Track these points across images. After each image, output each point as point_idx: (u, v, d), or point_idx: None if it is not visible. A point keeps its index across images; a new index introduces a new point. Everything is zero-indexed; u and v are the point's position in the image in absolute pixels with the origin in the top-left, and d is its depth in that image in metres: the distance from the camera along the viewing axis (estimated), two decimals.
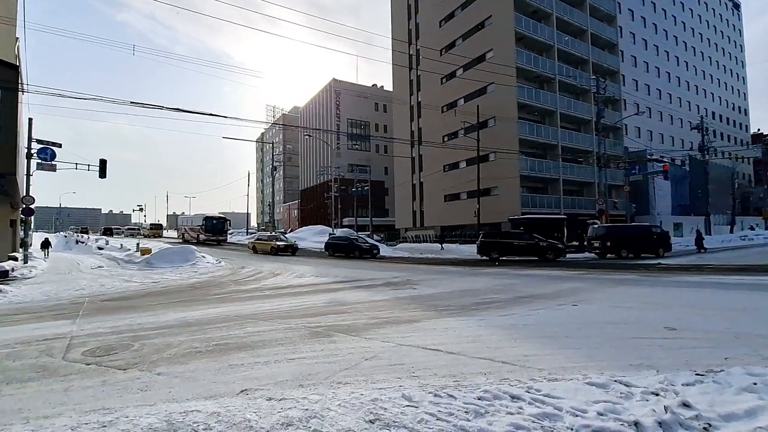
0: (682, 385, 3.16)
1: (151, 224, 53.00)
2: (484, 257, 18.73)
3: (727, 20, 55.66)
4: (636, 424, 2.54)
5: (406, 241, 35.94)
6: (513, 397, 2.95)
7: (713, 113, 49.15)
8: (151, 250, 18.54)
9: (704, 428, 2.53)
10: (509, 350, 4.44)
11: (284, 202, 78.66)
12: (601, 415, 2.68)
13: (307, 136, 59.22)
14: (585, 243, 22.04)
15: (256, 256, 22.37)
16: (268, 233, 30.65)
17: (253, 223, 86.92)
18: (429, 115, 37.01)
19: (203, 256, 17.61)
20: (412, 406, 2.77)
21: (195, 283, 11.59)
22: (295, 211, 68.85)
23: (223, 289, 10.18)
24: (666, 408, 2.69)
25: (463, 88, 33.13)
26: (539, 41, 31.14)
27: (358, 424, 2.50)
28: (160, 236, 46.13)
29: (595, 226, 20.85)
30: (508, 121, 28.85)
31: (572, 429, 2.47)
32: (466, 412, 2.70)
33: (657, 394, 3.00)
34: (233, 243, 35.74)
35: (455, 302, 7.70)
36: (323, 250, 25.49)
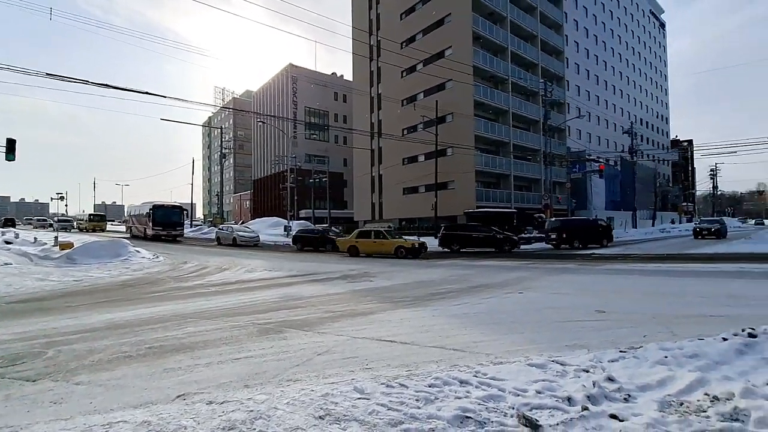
0: (608, 361, 3.51)
1: (90, 215, 42.23)
2: (446, 249, 19.46)
3: (654, 37, 62.16)
4: (569, 399, 2.77)
5: None
6: (462, 382, 3.07)
7: (641, 120, 54.83)
8: (72, 244, 16.52)
9: (624, 399, 2.83)
10: (460, 338, 4.63)
11: (235, 192, 74.77)
12: (539, 393, 2.88)
13: (260, 123, 56.61)
14: (523, 234, 23.93)
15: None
16: (377, 226, 23.88)
17: (198, 214, 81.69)
18: (389, 107, 37.10)
19: (137, 251, 16.17)
20: (363, 399, 2.77)
21: (127, 280, 10.62)
22: (248, 202, 65.82)
23: (160, 287, 9.44)
24: (594, 383, 2.96)
25: (423, 82, 33.61)
26: (494, 43, 32.45)
27: (307, 421, 2.45)
28: (104, 230, 38.52)
29: (552, 219, 22.68)
30: (465, 117, 29.84)
31: (514, 408, 2.63)
32: (417, 399, 2.76)
33: (587, 371, 3.30)
34: (193, 238, 32.35)
35: (410, 293, 7.85)
36: (286, 244, 24.30)
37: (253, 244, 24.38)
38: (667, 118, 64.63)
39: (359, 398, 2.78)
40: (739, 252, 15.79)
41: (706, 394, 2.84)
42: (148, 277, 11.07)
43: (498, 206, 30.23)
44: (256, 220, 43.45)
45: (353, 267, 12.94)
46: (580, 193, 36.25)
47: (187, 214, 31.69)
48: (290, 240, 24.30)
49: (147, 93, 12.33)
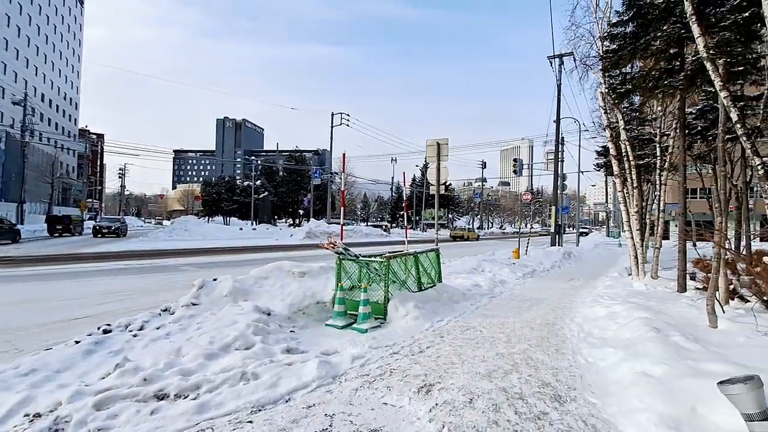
0: None
1: None
2: None
3: (69, 7, 60.56)
4: None
5: None
6: None
7: (42, 95, 50.95)
8: None
9: None
10: None
11: None
12: None
13: None
14: None
15: None
16: None
17: None
18: None
19: None
20: None
21: None
22: None
23: None
24: None
25: None
26: None
27: None
28: None
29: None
30: None
31: None
32: None
33: None
34: None
35: None
36: None
37: None
38: (77, 103, 64.87)
39: None
40: (131, 250, 18.39)
41: (26, 414, 2.86)
42: None
43: None
44: None
45: None
46: None
47: None
48: None
49: None
